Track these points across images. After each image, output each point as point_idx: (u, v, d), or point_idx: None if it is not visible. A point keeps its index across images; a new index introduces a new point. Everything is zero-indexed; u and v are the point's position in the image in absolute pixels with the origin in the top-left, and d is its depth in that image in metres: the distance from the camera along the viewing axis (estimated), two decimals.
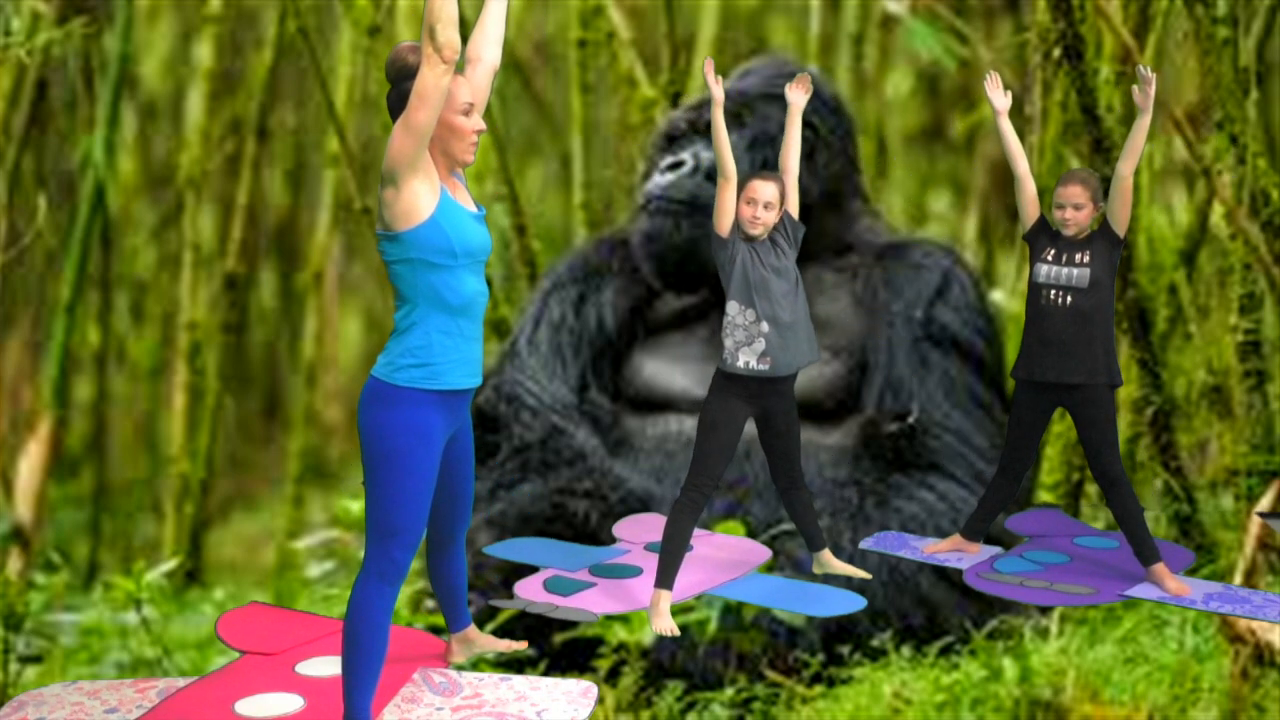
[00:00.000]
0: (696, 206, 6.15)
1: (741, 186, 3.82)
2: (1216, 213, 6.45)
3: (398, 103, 3.13)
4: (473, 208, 3.21)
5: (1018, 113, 7.01)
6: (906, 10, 8.43)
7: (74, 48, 8.51)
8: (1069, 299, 4.01)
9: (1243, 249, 6.15)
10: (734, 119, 6.33)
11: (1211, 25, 6.17)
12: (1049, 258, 4.06)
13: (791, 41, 9.48)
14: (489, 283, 3.29)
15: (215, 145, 9.27)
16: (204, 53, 9.27)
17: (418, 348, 3.11)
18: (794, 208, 3.88)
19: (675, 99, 7.81)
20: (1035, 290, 4.08)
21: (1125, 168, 3.93)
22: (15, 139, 8.27)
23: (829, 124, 6.44)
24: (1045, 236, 4.13)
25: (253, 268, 9.57)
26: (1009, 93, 4.12)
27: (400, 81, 3.14)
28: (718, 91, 3.75)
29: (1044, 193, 6.44)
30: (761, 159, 6.17)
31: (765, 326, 3.76)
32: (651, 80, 8.06)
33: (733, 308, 3.79)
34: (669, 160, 6.39)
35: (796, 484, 4.05)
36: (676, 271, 6.36)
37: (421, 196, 3.06)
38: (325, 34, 8.95)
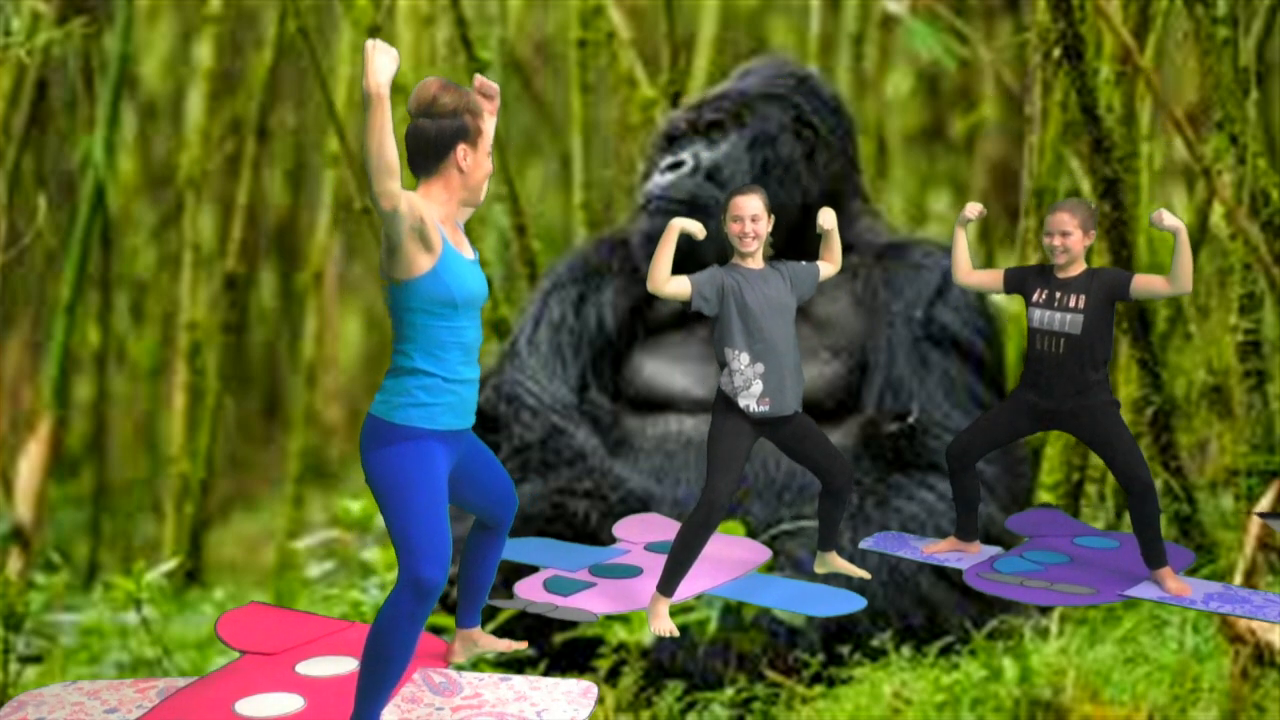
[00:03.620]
0: (696, 206, 6.14)
1: (726, 204, 3.85)
2: (1216, 213, 6.44)
3: (436, 138, 3.13)
4: (470, 254, 3.24)
5: (1017, 113, 7.00)
6: (906, 10, 8.43)
7: (74, 48, 8.51)
8: (1062, 345, 3.98)
9: (1243, 249, 6.14)
10: (734, 119, 6.33)
11: (1211, 25, 6.17)
12: (1040, 300, 4.02)
13: (791, 41, 9.47)
14: (489, 283, 3.30)
15: (215, 145, 9.27)
16: (204, 53, 9.27)
17: (415, 388, 3.14)
18: (826, 272, 3.98)
19: (675, 99, 7.80)
20: (1031, 333, 4.05)
21: (1184, 286, 3.82)
22: (15, 139, 8.27)
23: (829, 124, 6.43)
24: (1031, 278, 4.08)
25: (253, 268, 9.56)
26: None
27: (430, 116, 3.14)
28: (687, 224, 3.82)
29: (1044, 192, 6.48)
30: (761, 159, 6.17)
31: (760, 367, 3.78)
32: (651, 80, 8.06)
33: (728, 354, 3.80)
34: (669, 160, 6.39)
35: (837, 485, 4.02)
36: (677, 271, 6.35)
37: (421, 254, 3.09)
38: (325, 34, 8.95)
